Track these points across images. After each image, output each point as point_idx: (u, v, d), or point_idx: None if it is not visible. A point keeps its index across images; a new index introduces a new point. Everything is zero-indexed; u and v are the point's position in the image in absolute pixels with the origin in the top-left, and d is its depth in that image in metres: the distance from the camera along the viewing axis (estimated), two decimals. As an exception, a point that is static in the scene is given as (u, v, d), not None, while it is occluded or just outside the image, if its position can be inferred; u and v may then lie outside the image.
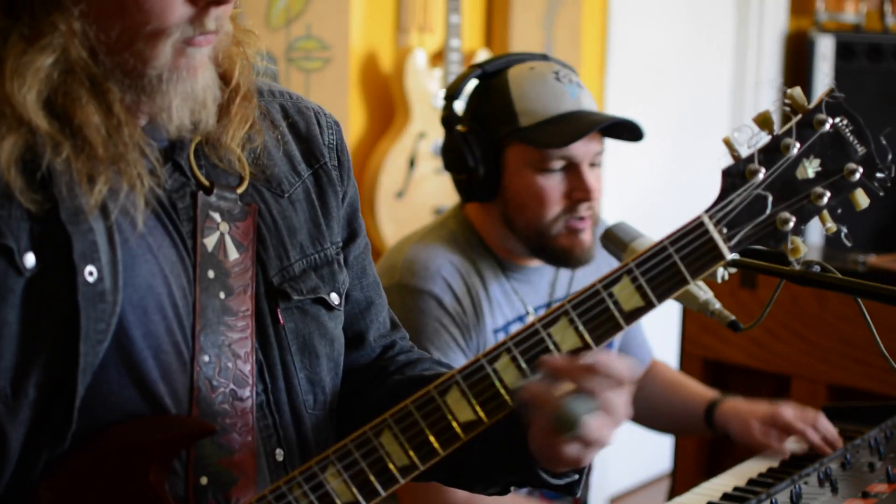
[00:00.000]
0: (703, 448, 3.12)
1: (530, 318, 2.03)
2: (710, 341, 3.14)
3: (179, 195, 1.26)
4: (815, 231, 4.91)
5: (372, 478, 1.19)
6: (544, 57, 2.05)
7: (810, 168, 1.18)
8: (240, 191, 1.30)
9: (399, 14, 3.28)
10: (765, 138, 1.20)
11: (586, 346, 1.18)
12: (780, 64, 4.60)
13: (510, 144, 1.96)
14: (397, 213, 3.27)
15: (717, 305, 2.03)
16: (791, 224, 1.18)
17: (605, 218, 2.20)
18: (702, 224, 1.18)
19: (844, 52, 4.41)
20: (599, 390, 1.15)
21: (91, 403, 1.17)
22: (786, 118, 1.21)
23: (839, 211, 1.20)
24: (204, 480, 1.23)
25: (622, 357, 1.17)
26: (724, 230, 1.18)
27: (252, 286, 1.28)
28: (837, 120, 1.19)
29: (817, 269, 1.93)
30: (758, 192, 1.18)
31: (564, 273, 2.15)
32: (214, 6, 1.17)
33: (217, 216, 1.27)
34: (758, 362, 3.06)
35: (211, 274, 1.26)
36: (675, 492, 3.10)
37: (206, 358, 1.24)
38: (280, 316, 1.30)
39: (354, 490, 1.18)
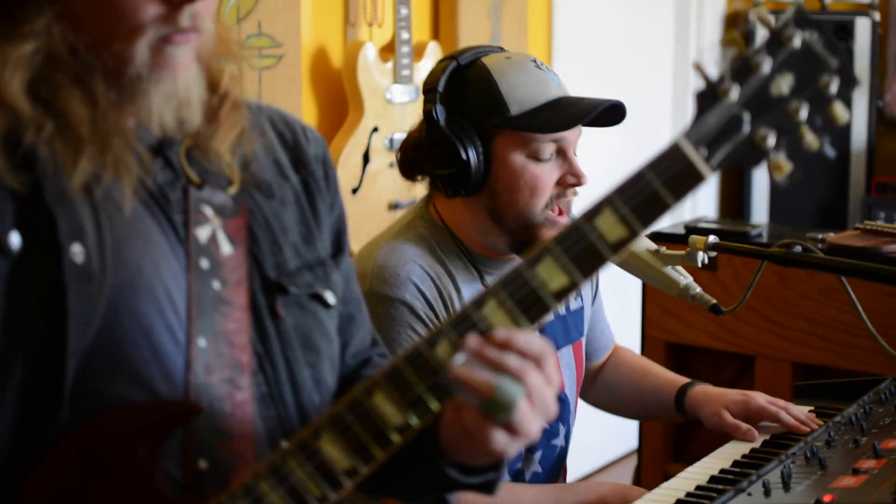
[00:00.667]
0: (669, 425, 3.12)
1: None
2: (672, 324, 3.14)
3: (171, 188, 1.24)
4: (762, 210, 4.96)
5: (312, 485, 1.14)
6: (501, 49, 2.05)
7: (784, 83, 1.14)
8: (231, 192, 1.28)
9: (348, 8, 3.25)
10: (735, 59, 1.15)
11: (573, 285, 1.15)
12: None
13: (498, 134, 1.94)
14: (353, 209, 3.23)
15: (698, 290, 2.04)
16: (771, 140, 1.14)
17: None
18: (678, 147, 1.14)
19: (784, 32, 4.44)
20: (522, 371, 1.13)
21: (82, 388, 1.15)
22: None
23: (819, 123, 1.15)
24: (203, 464, 1.20)
25: (538, 336, 1.15)
26: (703, 151, 1.14)
27: (247, 281, 1.26)
28: (807, 34, 1.15)
29: (798, 249, 1.95)
30: (733, 110, 1.14)
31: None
32: (188, 3, 1.16)
33: (209, 210, 1.26)
34: (721, 343, 3.07)
35: (204, 264, 1.24)
36: (641, 470, 3.12)
37: (203, 343, 1.21)
38: (280, 310, 1.28)
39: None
